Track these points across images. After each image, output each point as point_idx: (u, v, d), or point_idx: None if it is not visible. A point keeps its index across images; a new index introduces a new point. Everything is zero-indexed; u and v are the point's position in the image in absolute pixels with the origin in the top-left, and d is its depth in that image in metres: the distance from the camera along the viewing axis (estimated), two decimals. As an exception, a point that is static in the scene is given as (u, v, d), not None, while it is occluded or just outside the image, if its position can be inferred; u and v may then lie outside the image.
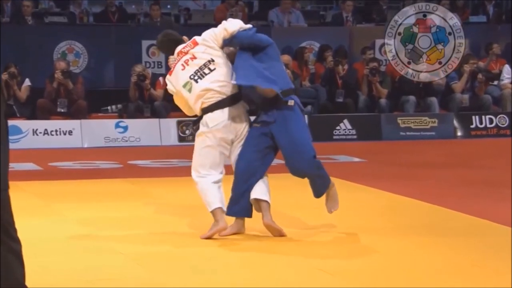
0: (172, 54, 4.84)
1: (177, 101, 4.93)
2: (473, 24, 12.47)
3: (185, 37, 4.89)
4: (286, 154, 4.70)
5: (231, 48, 4.72)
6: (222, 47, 4.75)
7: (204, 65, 4.69)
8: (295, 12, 12.09)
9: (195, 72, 4.69)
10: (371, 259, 4.30)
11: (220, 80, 4.68)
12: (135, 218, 5.35)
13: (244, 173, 4.70)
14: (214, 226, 4.68)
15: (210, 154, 4.69)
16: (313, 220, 5.19)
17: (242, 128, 4.74)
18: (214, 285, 3.87)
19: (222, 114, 4.67)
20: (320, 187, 4.77)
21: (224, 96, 4.67)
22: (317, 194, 4.82)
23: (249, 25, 4.80)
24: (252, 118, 4.85)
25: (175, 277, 3.98)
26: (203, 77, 4.67)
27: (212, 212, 4.68)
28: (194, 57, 4.72)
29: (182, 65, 4.75)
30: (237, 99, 4.71)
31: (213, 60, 4.69)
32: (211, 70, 4.68)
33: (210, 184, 4.67)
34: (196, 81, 4.68)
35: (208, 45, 4.73)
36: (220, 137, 4.69)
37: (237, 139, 4.75)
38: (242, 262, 4.32)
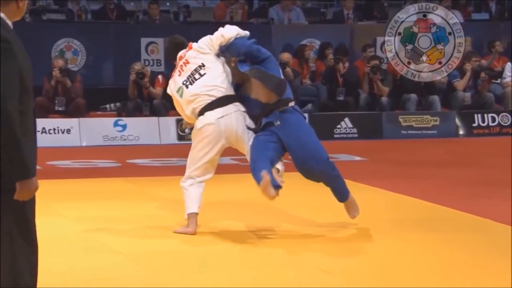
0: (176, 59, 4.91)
1: (175, 105, 4.98)
2: (475, 21, 12.42)
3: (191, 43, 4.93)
4: (298, 156, 4.65)
5: (233, 64, 4.72)
6: (218, 55, 4.77)
7: (195, 70, 4.73)
8: (295, 9, 12.04)
9: (187, 78, 4.75)
10: (373, 259, 4.29)
11: (208, 85, 4.70)
12: (134, 218, 5.31)
13: (257, 158, 4.59)
14: (186, 228, 4.82)
15: (196, 156, 4.76)
16: (314, 220, 5.17)
17: (237, 127, 4.70)
18: (214, 284, 3.84)
19: (211, 115, 4.70)
20: (342, 189, 4.75)
21: (214, 98, 4.70)
22: (342, 198, 4.79)
23: (246, 32, 4.79)
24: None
25: (174, 276, 3.96)
26: (193, 82, 4.72)
27: (187, 215, 4.79)
28: (187, 62, 4.78)
29: (179, 70, 4.82)
30: (229, 100, 4.72)
31: (203, 65, 4.72)
32: (201, 75, 4.73)
33: (190, 186, 4.76)
34: (186, 86, 4.76)
35: (201, 51, 4.76)
36: (210, 139, 4.70)
37: (235, 139, 4.73)
38: (242, 261, 4.29)
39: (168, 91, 4.92)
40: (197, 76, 4.71)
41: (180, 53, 4.83)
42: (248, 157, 4.75)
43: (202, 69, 4.71)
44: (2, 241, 2.61)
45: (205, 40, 4.79)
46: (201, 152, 4.73)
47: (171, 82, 4.89)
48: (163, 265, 4.16)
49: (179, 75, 4.78)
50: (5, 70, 2.51)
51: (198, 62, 4.73)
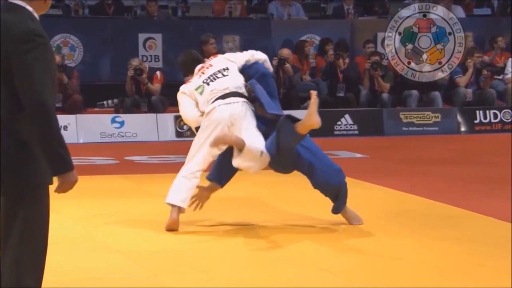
0: (192, 73, 5.02)
1: (184, 106, 4.98)
2: (477, 17, 12.34)
3: (205, 59, 5.14)
4: (316, 167, 4.70)
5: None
6: (240, 71, 4.95)
7: (219, 71, 4.92)
8: (295, 4, 11.97)
9: (208, 77, 4.91)
10: (373, 257, 4.26)
11: (229, 84, 4.85)
12: (131, 215, 5.28)
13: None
14: (168, 219, 4.84)
15: (198, 142, 4.83)
16: (314, 218, 5.15)
17: (239, 113, 4.76)
18: (213, 284, 3.81)
19: (221, 101, 4.79)
20: (342, 201, 4.85)
21: (228, 91, 4.82)
22: (338, 210, 4.90)
23: (271, 68, 5.09)
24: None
25: (173, 275, 3.93)
26: (215, 80, 4.88)
27: (167, 203, 4.85)
28: (211, 65, 4.98)
29: (199, 75, 4.97)
30: (242, 96, 4.83)
31: (227, 69, 4.92)
32: (223, 75, 4.90)
33: (182, 178, 4.82)
34: (208, 84, 4.88)
35: (227, 58, 5.01)
36: (213, 123, 4.74)
37: (237, 125, 4.76)
38: (242, 260, 4.26)
39: (185, 90, 4.96)
40: (219, 75, 4.88)
41: (202, 65, 5.00)
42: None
43: (226, 71, 4.90)
44: (12, 240, 2.58)
45: (232, 53, 5.12)
46: (203, 138, 4.77)
47: (187, 85, 4.96)
48: (161, 263, 4.12)
49: (199, 77, 4.94)
50: (43, 66, 2.52)
51: (223, 66, 4.93)
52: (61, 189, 2.60)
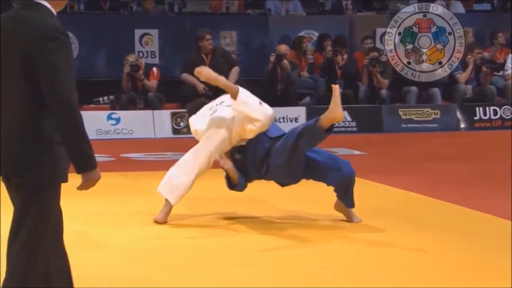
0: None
1: (191, 120, 5.14)
2: (477, 12, 12.30)
3: None
4: (330, 164, 4.73)
5: None
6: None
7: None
8: (293, 0, 11.86)
9: (221, 102, 5.05)
10: (373, 256, 4.26)
11: None
12: (127, 213, 5.27)
13: None
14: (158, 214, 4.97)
15: (205, 145, 4.91)
16: (313, 216, 5.14)
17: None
18: (210, 282, 3.78)
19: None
20: (352, 194, 4.85)
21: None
22: (352, 203, 4.89)
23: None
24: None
25: (169, 273, 3.92)
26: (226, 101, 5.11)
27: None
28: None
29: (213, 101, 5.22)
30: None
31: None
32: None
33: (183, 176, 4.90)
34: (220, 105, 5.03)
35: None
36: (219, 127, 4.83)
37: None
38: (240, 259, 4.24)
39: (197, 115, 5.09)
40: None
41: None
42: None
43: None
44: (18, 240, 2.57)
45: None
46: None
47: (200, 110, 5.08)
48: (158, 261, 4.10)
49: (213, 102, 5.16)
50: (67, 64, 2.54)
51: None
52: (84, 187, 2.60)
